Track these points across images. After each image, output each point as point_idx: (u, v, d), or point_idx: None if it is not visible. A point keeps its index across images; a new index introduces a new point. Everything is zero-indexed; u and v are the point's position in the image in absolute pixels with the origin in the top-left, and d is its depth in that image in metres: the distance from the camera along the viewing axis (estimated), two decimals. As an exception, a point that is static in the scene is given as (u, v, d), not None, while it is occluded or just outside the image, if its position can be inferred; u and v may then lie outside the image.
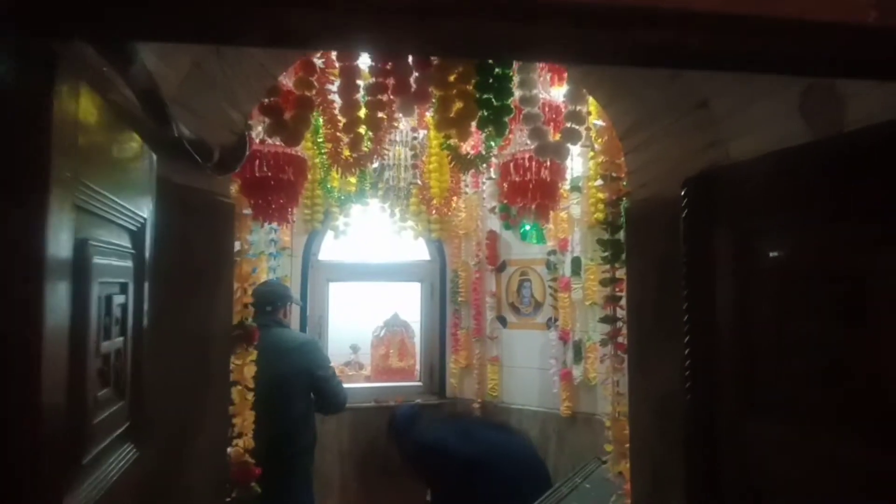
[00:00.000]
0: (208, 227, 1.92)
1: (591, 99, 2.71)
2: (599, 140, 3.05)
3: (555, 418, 4.49)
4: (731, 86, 1.79)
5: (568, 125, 2.41)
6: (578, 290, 4.47)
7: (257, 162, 2.83)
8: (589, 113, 2.51)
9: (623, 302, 2.34)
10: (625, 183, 2.33)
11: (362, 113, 2.46)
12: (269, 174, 2.88)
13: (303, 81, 2.37)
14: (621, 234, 2.36)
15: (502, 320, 5.05)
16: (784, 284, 1.43)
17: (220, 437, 2.11)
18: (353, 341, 5.77)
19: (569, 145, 2.45)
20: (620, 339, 2.34)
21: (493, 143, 3.26)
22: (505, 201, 4.50)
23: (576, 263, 4.50)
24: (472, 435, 3.10)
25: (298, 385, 3.57)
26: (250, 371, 2.21)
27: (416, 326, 5.52)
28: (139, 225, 1.35)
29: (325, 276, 5.21)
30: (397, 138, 3.69)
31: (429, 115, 4.15)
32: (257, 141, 2.70)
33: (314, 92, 2.46)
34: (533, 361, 4.79)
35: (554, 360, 4.54)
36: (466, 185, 4.97)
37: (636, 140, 2.15)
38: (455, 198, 4.58)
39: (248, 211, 2.59)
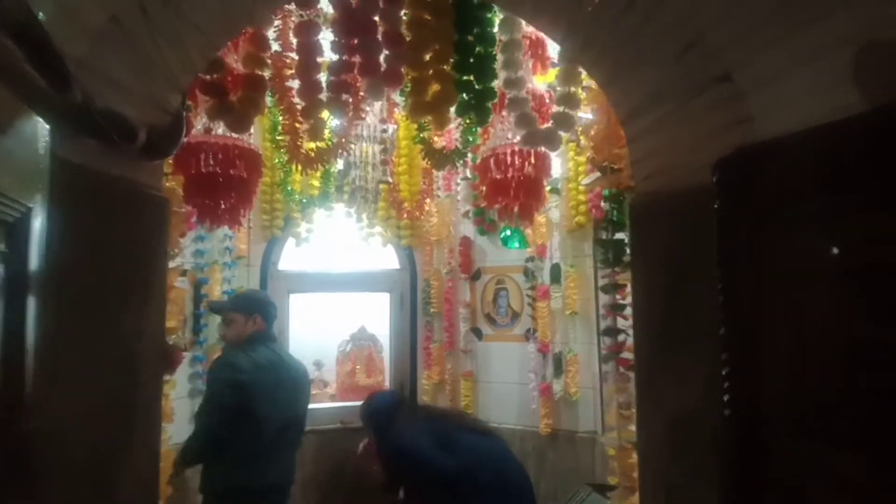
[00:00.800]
0: (133, 225, 1.57)
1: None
2: (584, 136, 2.78)
3: (534, 436, 4.19)
4: (759, 53, 1.52)
5: (560, 109, 2.12)
6: (558, 298, 4.20)
7: (203, 155, 2.47)
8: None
9: (627, 311, 2.05)
10: (627, 175, 2.05)
11: (324, 96, 2.13)
12: (218, 169, 2.53)
13: (252, 58, 2.03)
14: (623, 234, 2.08)
15: (477, 332, 4.74)
16: (851, 286, 1.15)
17: (149, 478, 1.74)
18: (316, 357, 5.40)
19: (561, 133, 2.16)
20: (625, 354, 2.04)
21: (470, 138, 2.97)
22: (483, 204, 4.25)
23: (555, 270, 4.23)
24: (456, 443, 2.78)
25: None
26: (168, 404, 1.82)
27: (384, 340, 5.17)
28: (19, 215, 1.00)
29: (285, 286, 4.82)
30: (364, 133, 3.37)
31: (398, 111, 3.86)
32: (201, 129, 2.34)
33: (268, 75, 2.12)
34: (511, 376, 4.49)
35: (533, 375, 4.24)
36: (438, 188, 4.67)
37: (641, 124, 1.87)
38: (428, 200, 4.27)
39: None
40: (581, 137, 2.99)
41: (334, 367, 5.21)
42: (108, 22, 1.37)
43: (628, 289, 2.07)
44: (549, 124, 2.20)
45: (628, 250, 2.06)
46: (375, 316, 5.25)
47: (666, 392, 1.76)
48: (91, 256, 1.39)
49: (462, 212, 4.71)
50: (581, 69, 2.08)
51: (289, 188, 4.42)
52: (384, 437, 2.98)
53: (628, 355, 2.03)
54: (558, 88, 2.13)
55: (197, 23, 1.64)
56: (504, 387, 4.54)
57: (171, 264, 1.91)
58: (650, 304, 1.83)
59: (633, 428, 2.00)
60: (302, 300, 4.99)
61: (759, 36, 1.49)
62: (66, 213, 1.24)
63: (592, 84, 2.36)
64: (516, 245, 4.51)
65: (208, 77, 1.90)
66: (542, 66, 2.86)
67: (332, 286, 5.05)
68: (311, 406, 4.82)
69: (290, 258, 4.84)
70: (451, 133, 3.66)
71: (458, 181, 4.59)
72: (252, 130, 4.37)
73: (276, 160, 4.23)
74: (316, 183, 4.49)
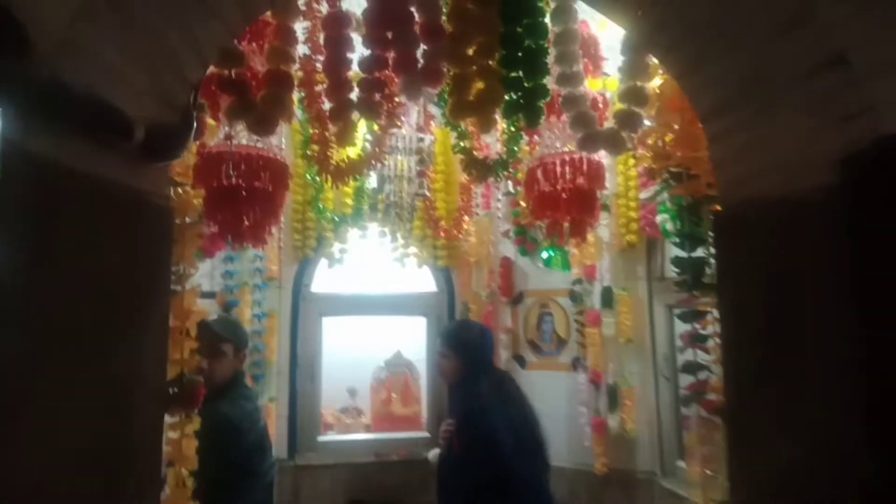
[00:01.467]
0: (128, 239, 1.33)
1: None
2: (641, 143, 2.48)
3: (587, 476, 3.82)
4: (882, 32, 1.22)
5: (624, 107, 1.83)
6: (610, 324, 3.86)
7: (224, 167, 2.26)
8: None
9: (711, 343, 1.73)
10: (705, 181, 1.74)
11: (354, 95, 1.89)
12: (241, 182, 2.30)
13: (278, 52, 1.80)
14: (703, 251, 1.76)
15: (520, 360, 4.41)
16: None
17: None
18: (350, 384, 5.16)
19: (626, 134, 1.86)
20: (710, 396, 1.71)
21: (515, 147, 2.70)
22: (525, 222, 3.97)
23: (606, 294, 3.90)
24: (524, 450, 2.53)
25: None
26: (190, 446, 1.58)
27: (421, 366, 4.88)
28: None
29: (317, 309, 4.61)
30: (399, 145, 3.12)
31: (434, 123, 3.62)
32: (221, 137, 2.12)
33: (295, 71, 1.89)
34: (558, 408, 4.14)
35: (584, 408, 3.89)
36: (477, 206, 4.41)
37: (729, 120, 1.57)
38: (466, 218, 4.00)
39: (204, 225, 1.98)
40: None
41: (369, 395, 4.94)
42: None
43: (709, 316, 1.75)
44: (610, 125, 1.90)
45: (710, 270, 1.75)
46: (412, 341, 4.98)
47: (768, 444, 1.43)
48: (69, 277, 1.15)
49: (502, 231, 4.43)
50: (649, 60, 1.79)
51: (321, 206, 4.20)
52: (470, 389, 2.64)
53: (714, 397, 1.70)
54: (621, 84, 1.84)
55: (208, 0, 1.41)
56: (551, 420, 4.12)
57: (188, 285, 1.66)
58: (745, 334, 1.51)
59: (720, 483, 1.67)
60: (335, 324, 4.77)
61: (883, 11, 1.20)
62: (31, 221, 1.00)
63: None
64: (558, 267, 4.19)
65: (228, 71, 1.67)
66: (594, 67, 2.59)
67: (366, 309, 4.82)
68: (345, 437, 4.62)
69: (323, 280, 4.64)
70: (489, 146, 3.42)
71: (499, 198, 4.32)
72: (284, 145, 4.24)
73: (308, 176, 4.03)
74: (349, 201, 4.28)
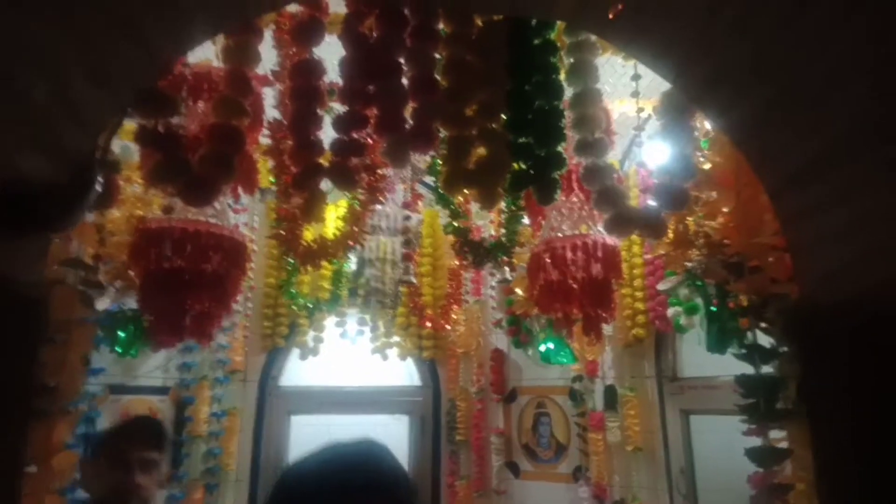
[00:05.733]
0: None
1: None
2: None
3: None
4: None
5: (665, 181, 1.47)
6: (615, 429, 3.40)
7: (163, 245, 1.85)
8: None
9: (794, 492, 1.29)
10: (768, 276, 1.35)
11: (325, 159, 1.52)
12: (185, 264, 1.89)
13: (227, 103, 1.43)
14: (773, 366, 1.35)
15: (513, 468, 3.91)
16: None
17: None
18: (320, 492, 4.54)
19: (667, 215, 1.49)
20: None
21: (514, 227, 2.34)
22: (519, 311, 3.57)
23: (610, 394, 3.47)
24: None
25: None
26: None
27: (402, 472, 4.31)
28: None
29: (286, 406, 4.13)
30: (383, 224, 2.76)
31: (422, 203, 3.28)
32: (154, 208, 1.73)
33: (250, 126, 1.52)
34: (556, 527, 3.61)
35: (587, 528, 3.37)
36: (466, 293, 4.02)
37: (810, 196, 1.20)
38: (455, 307, 3.59)
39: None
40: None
41: (341, 506, 4.34)
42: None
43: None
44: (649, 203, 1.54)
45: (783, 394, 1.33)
46: (392, 443, 4.39)
47: None
48: None
49: (494, 320, 4.02)
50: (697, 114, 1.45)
51: (292, 290, 3.77)
52: None
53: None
54: (667, 152, 1.49)
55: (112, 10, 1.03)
56: (549, 541, 3.64)
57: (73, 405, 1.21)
58: (844, 474, 1.08)
59: None
60: (306, 423, 4.24)
61: None
62: None
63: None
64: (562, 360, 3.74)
65: (157, 122, 1.29)
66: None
67: (340, 407, 4.30)
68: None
69: (294, 373, 4.14)
70: (480, 228, 3.07)
71: (492, 284, 3.94)
72: (256, 223, 3.84)
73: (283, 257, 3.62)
74: (326, 285, 3.87)
